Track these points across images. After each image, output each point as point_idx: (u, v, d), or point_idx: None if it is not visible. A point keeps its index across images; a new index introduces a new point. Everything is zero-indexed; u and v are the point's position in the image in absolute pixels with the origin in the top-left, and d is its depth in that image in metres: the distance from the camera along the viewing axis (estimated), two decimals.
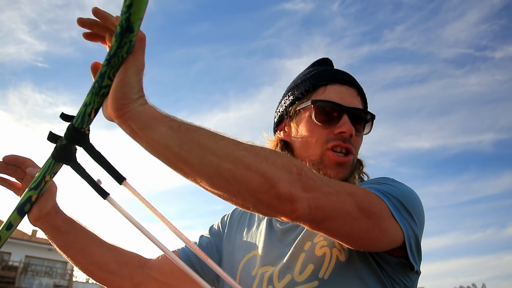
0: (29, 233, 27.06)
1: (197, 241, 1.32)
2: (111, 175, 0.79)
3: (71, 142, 0.79)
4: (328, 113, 1.12)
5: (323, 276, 0.96)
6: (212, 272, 1.21)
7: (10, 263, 24.88)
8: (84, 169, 0.82)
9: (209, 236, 1.32)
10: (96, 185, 0.81)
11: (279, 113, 1.27)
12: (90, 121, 0.77)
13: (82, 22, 0.78)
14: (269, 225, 1.18)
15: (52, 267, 26.13)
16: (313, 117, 1.13)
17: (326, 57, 1.34)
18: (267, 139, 1.28)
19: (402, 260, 0.95)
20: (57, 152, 0.82)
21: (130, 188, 0.79)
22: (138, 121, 0.72)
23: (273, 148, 1.22)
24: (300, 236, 1.05)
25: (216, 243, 1.29)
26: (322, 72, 1.21)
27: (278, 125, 1.27)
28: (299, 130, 1.17)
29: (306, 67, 1.32)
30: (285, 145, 1.22)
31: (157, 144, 0.72)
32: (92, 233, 1.14)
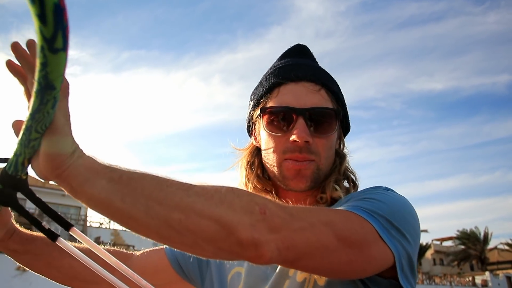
0: (42, 179, 27.72)
1: None
2: (57, 223, 0.73)
3: (7, 187, 0.72)
4: (280, 120, 1.02)
5: None
6: (199, 281, 1.17)
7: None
8: (27, 211, 0.76)
9: None
10: (42, 228, 0.75)
11: (247, 118, 1.19)
12: (24, 169, 0.70)
13: (15, 48, 0.68)
14: None
15: (66, 213, 27.06)
16: (264, 127, 1.05)
17: (298, 43, 1.19)
18: (234, 149, 1.20)
19: (393, 281, 0.87)
20: None
21: (79, 234, 0.73)
22: (76, 177, 0.64)
23: (247, 156, 1.15)
24: None
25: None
26: (278, 71, 1.10)
27: (248, 129, 1.18)
28: (261, 138, 1.09)
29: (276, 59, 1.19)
30: (257, 150, 1.15)
31: (98, 200, 0.64)
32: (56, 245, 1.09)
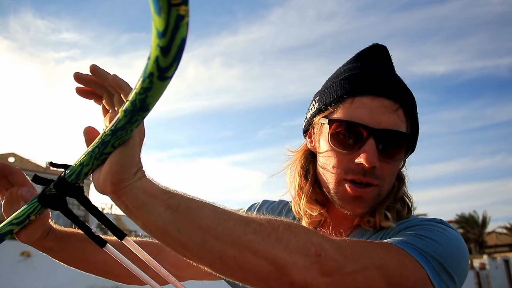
0: (43, 165, 27.88)
1: None
2: (110, 231, 0.72)
3: (62, 193, 0.71)
4: (348, 137, 0.94)
5: None
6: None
7: None
8: (77, 217, 0.75)
9: None
10: (91, 234, 0.75)
11: (305, 119, 1.13)
12: (85, 178, 0.69)
13: (78, 77, 0.70)
14: None
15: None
16: (329, 140, 0.97)
17: (377, 43, 1.07)
18: (289, 151, 1.15)
19: None
20: (45, 198, 0.75)
21: (132, 245, 0.72)
22: (133, 199, 0.64)
23: (302, 160, 1.10)
24: None
25: None
26: (354, 78, 0.99)
27: (306, 131, 1.12)
28: (321, 146, 1.02)
29: (350, 58, 1.10)
30: (311, 156, 1.10)
31: (154, 226, 0.64)
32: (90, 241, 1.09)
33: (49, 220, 0.97)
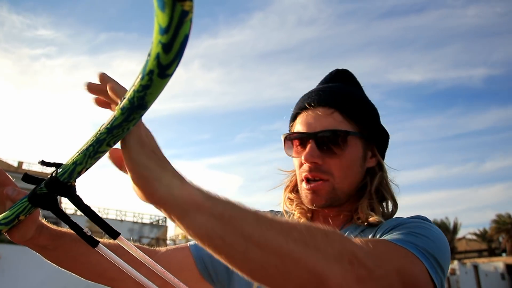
0: (15, 164, 27.08)
1: None
2: (103, 231, 0.71)
3: (53, 192, 0.70)
4: (295, 146, 1.16)
5: None
6: (225, 279, 1.18)
7: None
8: (68, 216, 0.74)
9: None
10: (83, 233, 0.74)
11: None
12: (78, 177, 0.68)
13: (90, 88, 0.70)
14: None
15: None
16: (286, 151, 1.19)
17: (336, 69, 1.29)
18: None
19: None
20: (35, 198, 0.73)
21: (126, 243, 0.71)
22: (175, 209, 0.63)
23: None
24: None
25: None
26: (300, 100, 1.22)
27: None
28: None
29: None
30: None
31: (197, 234, 0.64)
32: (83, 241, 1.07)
33: (40, 218, 0.95)
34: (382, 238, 0.94)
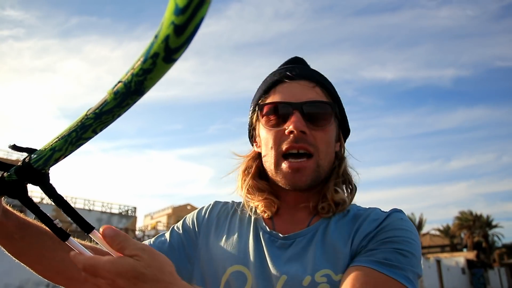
0: None
1: (168, 236, 1.19)
2: (76, 224, 0.66)
3: (24, 180, 0.64)
4: (276, 115, 1.07)
5: None
6: (185, 280, 1.12)
7: None
8: (38, 206, 0.69)
9: (180, 232, 1.19)
10: (53, 226, 0.69)
11: (248, 127, 1.22)
12: (54, 164, 0.63)
13: None
14: (256, 236, 1.09)
15: None
16: (263, 122, 1.09)
17: (296, 56, 1.22)
18: (236, 155, 1.22)
19: None
20: (3, 185, 0.67)
21: (99, 238, 0.67)
22: None
23: (247, 162, 1.18)
24: (300, 265, 0.98)
25: (187, 243, 1.16)
26: (274, 73, 1.15)
27: (251, 137, 1.21)
28: (261, 139, 1.12)
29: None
30: (258, 156, 1.16)
31: None
32: (52, 234, 0.99)
33: (3, 202, 0.87)
34: (367, 252, 0.94)
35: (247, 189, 1.13)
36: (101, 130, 0.59)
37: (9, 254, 0.96)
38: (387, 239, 0.95)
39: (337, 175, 1.10)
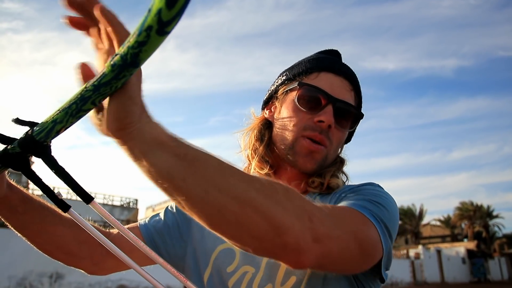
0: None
1: (162, 215, 1.21)
2: (77, 194, 0.69)
3: (27, 152, 0.67)
4: (312, 99, 1.09)
5: None
6: (179, 257, 1.16)
7: None
8: (41, 179, 0.71)
9: (174, 211, 1.21)
10: (55, 198, 0.71)
11: (269, 91, 1.25)
12: (56, 136, 0.65)
13: (70, 2, 0.62)
14: None
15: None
16: (296, 100, 1.10)
17: (336, 49, 1.25)
18: (253, 115, 1.24)
19: (374, 270, 0.96)
20: (6, 157, 0.70)
21: (98, 208, 0.70)
22: (141, 144, 0.62)
23: (259, 126, 1.19)
24: None
25: (181, 222, 1.19)
26: (321, 59, 1.17)
27: (267, 103, 1.24)
28: (282, 111, 1.14)
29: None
30: (267, 125, 1.19)
31: (158, 173, 0.62)
32: (52, 209, 1.02)
33: (6, 178, 0.90)
34: (339, 203, 0.97)
35: (256, 154, 1.16)
36: (99, 102, 0.61)
37: (12, 228, 0.99)
38: (359, 193, 0.98)
39: (338, 169, 1.15)
